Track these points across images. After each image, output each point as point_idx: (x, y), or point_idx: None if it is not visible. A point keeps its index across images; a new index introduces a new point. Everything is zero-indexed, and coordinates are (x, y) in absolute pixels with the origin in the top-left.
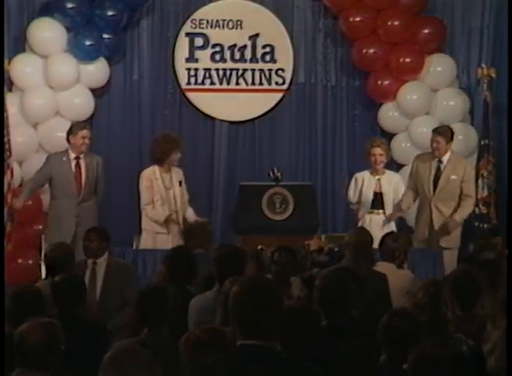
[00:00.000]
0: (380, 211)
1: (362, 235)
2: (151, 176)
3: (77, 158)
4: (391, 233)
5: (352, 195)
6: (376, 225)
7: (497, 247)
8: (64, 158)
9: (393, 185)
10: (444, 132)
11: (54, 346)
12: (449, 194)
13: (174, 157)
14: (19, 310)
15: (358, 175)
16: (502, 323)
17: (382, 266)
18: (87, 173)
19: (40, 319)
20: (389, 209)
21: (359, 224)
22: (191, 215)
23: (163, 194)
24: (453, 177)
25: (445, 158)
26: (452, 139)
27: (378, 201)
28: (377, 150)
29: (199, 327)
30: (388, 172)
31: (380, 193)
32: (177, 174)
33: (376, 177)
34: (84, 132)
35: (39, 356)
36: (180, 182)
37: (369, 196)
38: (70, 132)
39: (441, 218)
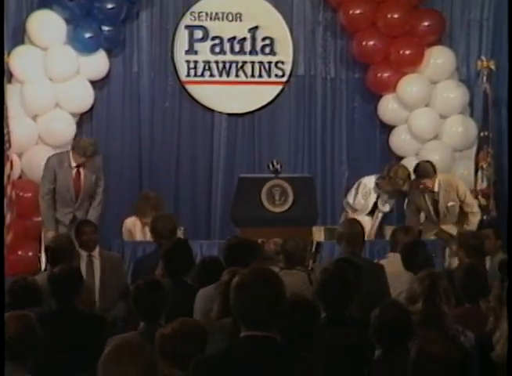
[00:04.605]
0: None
1: (354, 226)
2: (131, 227)
3: (78, 166)
4: (402, 226)
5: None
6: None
7: (488, 237)
8: (66, 164)
9: (360, 191)
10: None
11: (29, 338)
12: (452, 217)
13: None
14: (14, 302)
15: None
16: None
17: (393, 257)
18: (85, 183)
19: (15, 312)
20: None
21: None
22: None
23: None
24: (451, 203)
25: (436, 187)
26: (433, 171)
27: None
28: None
29: (174, 321)
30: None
31: None
32: None
33: None
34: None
35: (14, 347)
36: None
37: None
38: (76, 144)
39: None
